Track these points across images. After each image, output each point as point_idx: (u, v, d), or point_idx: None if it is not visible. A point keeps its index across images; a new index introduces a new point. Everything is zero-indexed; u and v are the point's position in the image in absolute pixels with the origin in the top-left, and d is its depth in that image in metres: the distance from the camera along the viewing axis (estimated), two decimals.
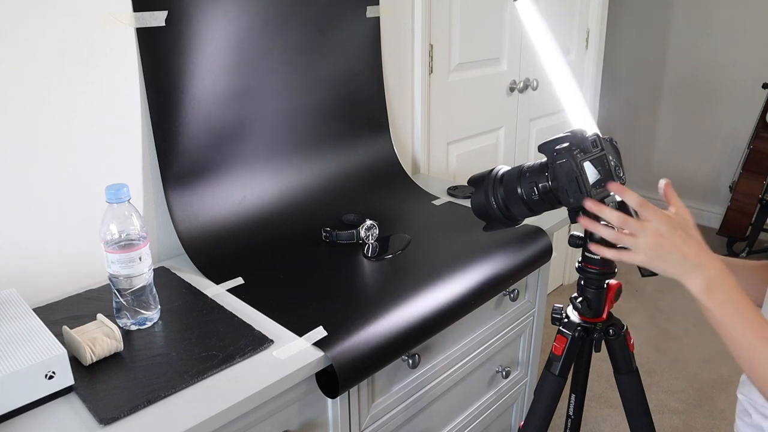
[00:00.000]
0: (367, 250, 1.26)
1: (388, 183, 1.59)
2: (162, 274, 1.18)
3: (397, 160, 1.64)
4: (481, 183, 0.99)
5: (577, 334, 0.97)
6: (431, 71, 1.80)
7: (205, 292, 1.11)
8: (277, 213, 1.35)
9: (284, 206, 1.37)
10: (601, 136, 0.91)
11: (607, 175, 0.89)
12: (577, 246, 0.95)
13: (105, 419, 0.78)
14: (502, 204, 0.97)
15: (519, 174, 0.95)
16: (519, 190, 0.94)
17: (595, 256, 0.92)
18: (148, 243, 0.98)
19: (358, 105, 1.54)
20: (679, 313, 2.68)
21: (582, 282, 0.96)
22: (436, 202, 1.53)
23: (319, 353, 0.92)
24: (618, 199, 0.95)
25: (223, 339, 0.95)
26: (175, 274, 1.18)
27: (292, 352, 0.92)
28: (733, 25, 3.27)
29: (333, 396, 0.95)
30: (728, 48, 3.30)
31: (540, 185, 0.91)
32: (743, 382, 0.93)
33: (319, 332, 0.97)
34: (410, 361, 1.13)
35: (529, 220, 1.31)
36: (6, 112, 1.01)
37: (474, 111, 2.02)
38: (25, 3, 0.99)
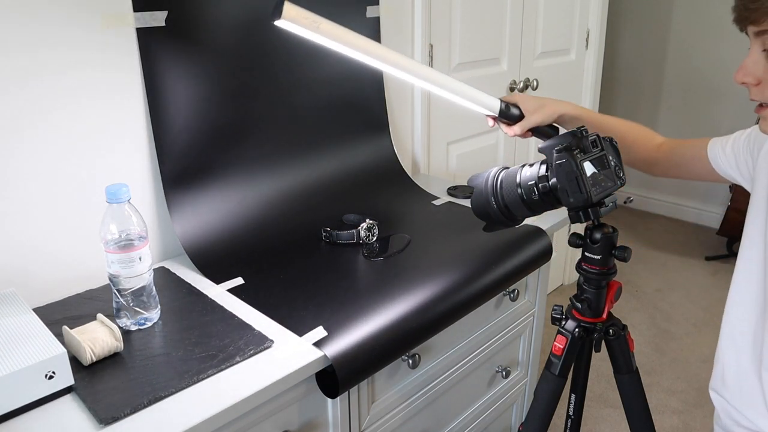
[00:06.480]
0: (367, 250, 1.26)
1: (388, 183, 1.59)
2: (162, 274, 1.18)
3: (397, 160, 1.64)
4: (481, 183, 1.00)
5: (577, 334, 0.97)
6: None
7: (205, 292, 1.11)
8: (277, 213, 1.35)
9: (284, 206, 1.37)
10: (601, 136, 0.91)
11: (608, 175, 0.89)
12: (577, 246, 0.95)
13: (105, 419, 0.78)
14: (502, 204, 0.97)
15: (519, 174, 0.95)
16: (519, 190, 0.94)
17: (596, 257, 0.92)
18: (148, 243, 0.98)
19: (358, 105, 1.54)
20: (679, 313, 2.68)
21: (582, 282, 0.96)
22: (436, 202, 1.53)
23: (319, 353, 0.92)
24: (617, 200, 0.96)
25: (223, 339, 0.95)
26: (175, 274, 1.18)
27: (292, 352, 0.92)
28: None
29: (333, 396, 0.96)
30: (728, 48, 3.30)
31: (540, 185, 0.91)
32: (716, 378, 0.89)
33: (319, 332, 0.97)
34: (410, 361, 1.13)
35: (529, 220, 1.31)
36: (5, 111, 1.01)
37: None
38: (26, 3, 0.99)
